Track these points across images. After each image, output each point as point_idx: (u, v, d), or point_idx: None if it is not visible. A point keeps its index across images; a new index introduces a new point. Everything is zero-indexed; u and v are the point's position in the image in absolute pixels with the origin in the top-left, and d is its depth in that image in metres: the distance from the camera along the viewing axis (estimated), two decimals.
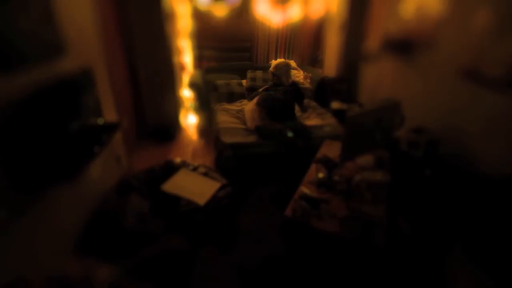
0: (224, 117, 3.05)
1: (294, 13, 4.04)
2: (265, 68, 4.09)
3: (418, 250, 1.73)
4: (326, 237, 1.49)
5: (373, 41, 3.23)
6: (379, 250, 1.42)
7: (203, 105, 3.61)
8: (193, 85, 3.57)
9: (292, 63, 4.20)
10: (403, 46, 2.66)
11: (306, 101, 3.50)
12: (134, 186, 2.13)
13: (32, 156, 1.35)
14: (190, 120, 3.83)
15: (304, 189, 1.71)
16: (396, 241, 1.69)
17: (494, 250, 1.46)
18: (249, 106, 3.12)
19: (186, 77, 3.82)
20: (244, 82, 3.90)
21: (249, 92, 3.69)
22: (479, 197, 1.67)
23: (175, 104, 3.52)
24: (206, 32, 3.94)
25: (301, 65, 4.30)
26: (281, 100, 3.04)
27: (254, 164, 2.52)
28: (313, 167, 1.95)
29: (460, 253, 1.58)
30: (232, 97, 3.57)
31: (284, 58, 4.33)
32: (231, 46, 4.16)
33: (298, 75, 4.04)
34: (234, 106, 3.36)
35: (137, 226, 1.85)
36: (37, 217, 1.48)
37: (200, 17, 3.82)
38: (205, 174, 2.32)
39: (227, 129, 2.81)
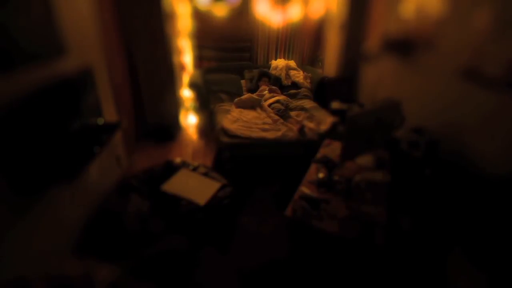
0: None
1: (294, 13, 4.04)
2: (264, 67, 4.09)
3: (419, 250, 1.73)
4: (326, 237, 1.49)
5: (373, 41, 3.23)
6: (379, 250, 1.42)
7: (203, 105, 3.61)
8: (193, 85, 3.56)
9: (292, 63, 4.20)
10: (403, 46, 2.65)
11: None
12: (134, 186, 2.12)
13: (32, 156, 1.35)
14: (190, 120, 3.83)
15: (304, 189, 1.71)
16: (396, 241, 1.69)
17: (493, 250, 1.46)
18: None
19: (186, 77, 3.82)
20: (243, 82, 3.90)
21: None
22: (479, 197, 1.67)
23: (175, 104, 3.52)
24: (206, 32, 3.93)
25: (301, 65, 4.30)
26: None
27: (254, 165, 2.51)
28: (313, 167, 1.95)
29: (460, 253, 1.58)
30: (232, 97, 3.56)
31: (284, 58, 4.32)
32: (231, 46, 4.15)
33: (298, 75, 4.03)
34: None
35: (137, 226, 1.85)
36: (38, 217, 1.48)
37: (200, 17, 3.82)
38: (205, 174, 2.32)
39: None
